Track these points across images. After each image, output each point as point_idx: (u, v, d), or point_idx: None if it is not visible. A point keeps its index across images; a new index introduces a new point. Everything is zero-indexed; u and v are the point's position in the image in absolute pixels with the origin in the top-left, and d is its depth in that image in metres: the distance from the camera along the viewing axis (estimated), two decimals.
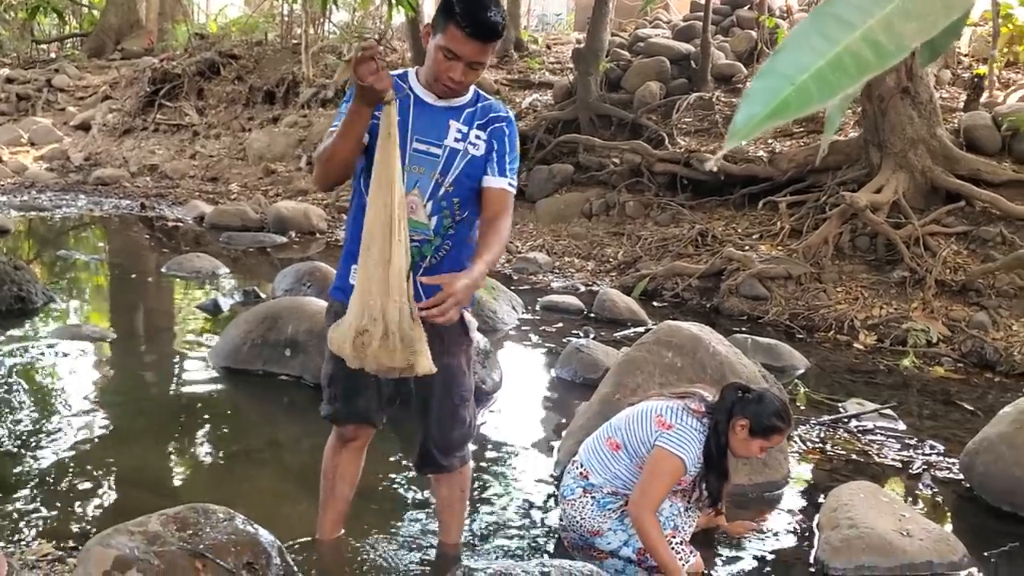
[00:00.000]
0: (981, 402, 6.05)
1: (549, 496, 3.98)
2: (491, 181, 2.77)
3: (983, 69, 9.72)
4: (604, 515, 3.34)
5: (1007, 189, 8.16)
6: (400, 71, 2.83)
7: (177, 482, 3.96)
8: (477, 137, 2.74)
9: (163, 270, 8.04)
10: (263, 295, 6.96)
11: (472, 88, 2.81)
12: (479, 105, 2.79)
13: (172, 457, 4.26)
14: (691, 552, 3.28)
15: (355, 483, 3.18)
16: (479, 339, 5.33)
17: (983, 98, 9.46)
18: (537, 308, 7.54)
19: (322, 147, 2.69)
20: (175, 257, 8.27)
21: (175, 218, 11.37)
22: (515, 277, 8.93)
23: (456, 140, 2.73)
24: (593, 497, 3.36)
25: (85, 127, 16.19)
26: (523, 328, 6.91)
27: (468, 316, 2.94)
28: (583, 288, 8.57)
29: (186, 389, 5.15)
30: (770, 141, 10.30)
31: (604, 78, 12.05)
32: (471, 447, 3.18)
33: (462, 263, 2.78)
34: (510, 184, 2.79)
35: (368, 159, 2.68)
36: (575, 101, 11.89)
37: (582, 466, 3.43)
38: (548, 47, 15.90)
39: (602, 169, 10.78)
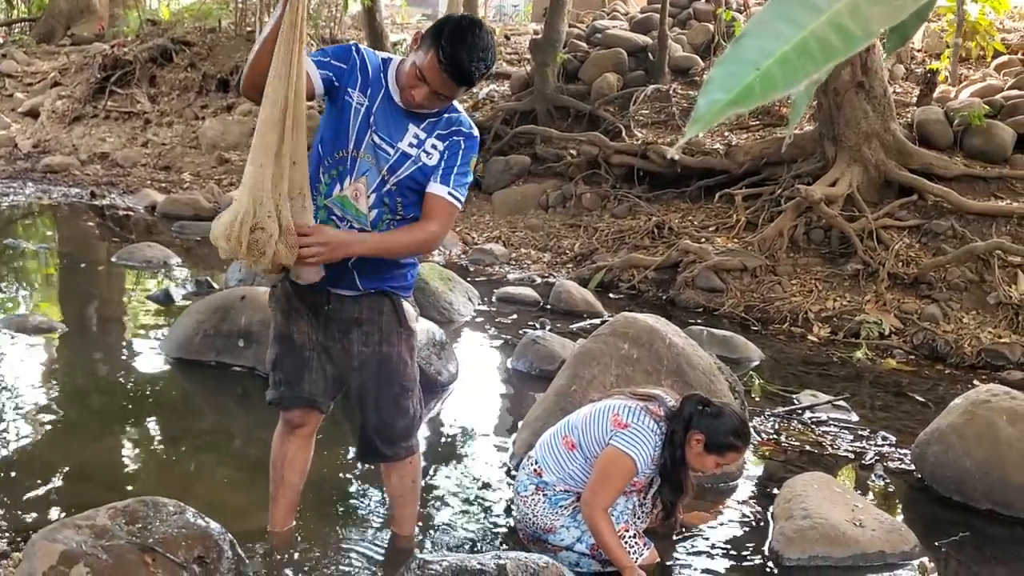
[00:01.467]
0: (932, 393, 6.14)
1: (504, 488, 3.96)
2: (432, 187, 2.75)
3: (936, 64, 9.86)
4: (556, 512, 3.33)
5: (959, 183, 8.29)
6: (385, 55, 2.81)
7: (127, 475, 3.87)
8: (433, 147, 2.72)
9: (113, 260, 7.88)
10: (216, 285, 6.85)
11: None
12: (445, 116, 2.76)
13: (122, 450, 4.17)
14: (645, 545, 3.27)
15: (305, 472, 3.14)
16: (434, 330, 5.29)
17: (936, 93, 9.59)
18: (493, 299, 7.51)
19: (250, 54, 2.62)
20: (126, 247, 8.11)
21: (126, 207, 11.15)
22: (471, 268, 8.89)
23: (410, 145, 2.71)
24: (545, 495, 3.34)
25: (34, 114, 15.80)
26: (479, 320, 6.88)
27: (406, 306, 2.93)
28: (539, 280, 8.55)
29: (138, 380, 5.05)
30: (727, 134, 10.36)
31: (562, 69, 12.03)
32: (419, 438, 3.15)
33: (392, 262, 2.81)
34: (450, 194, 2.74)
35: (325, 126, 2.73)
36: (532, 92, 11.86)
37: (536, 463, 3.41)
38: (506, 37, 15.84)
39: (559, 160, 10.76)
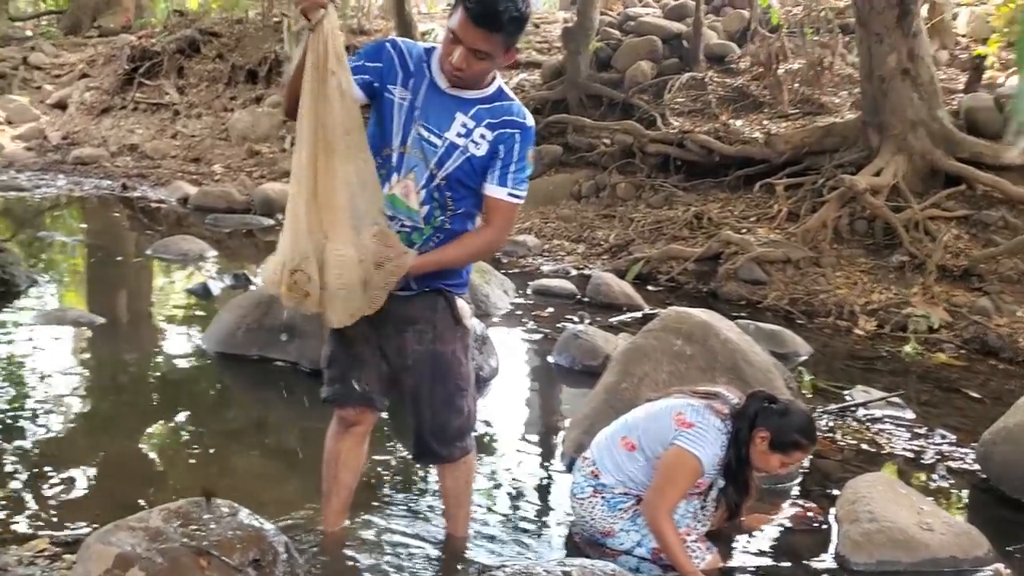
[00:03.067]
0: (984, 389, 5.96)
1: (556, 489, 3.84)
2: (489, 189, 2.64)
3: (983, 49, 9.59)
4: (615, 515, 3.21)
5: (1009, 172, 8.06)
6: (428, 45, 2.68)
7: (173, 473, 3.78)
8: (482, 136, 2.58)
9: (148, 252, 7.82)
10: (253, 279, 6.76)
11: (497, 84, 2.64)
12: (496, 104, 2.61)
13: (167, 447, 4.08)
14: (707, 548, 3.15)
15: (359, 471, 3.05)
16: (476, 325, 5.17)
17: (983, 79, 9.35)
18: (528, 292, 7.39)
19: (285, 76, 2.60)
20: (161, 239, 8.04)
21: (157, 199, 11.12)
22: (504, 260, 8.76)
23: (458, 135, 2.58)
24: (604, 497, 3.22)
25: (62, 106, 15.84)
26: (516, 313, 6.76)
27: (461, 303, 2.82)
28: (574, 272, 8.42)
29: (180, 375, 4.97)
30: (765, 123, 10.17)
31: (594, 57, 11.86)
32: (473, 438, 3.03)
33: None
34: (510, 194, 2.64)
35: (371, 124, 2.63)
36: (564, 81, 11.70)
37: (593, 464, 3.29)
38: (536, 26, 15.66)
39: (592, 150, 10.61)
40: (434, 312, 2.74)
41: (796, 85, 10.67)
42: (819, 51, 10.83)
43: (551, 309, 6.86)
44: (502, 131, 2.58)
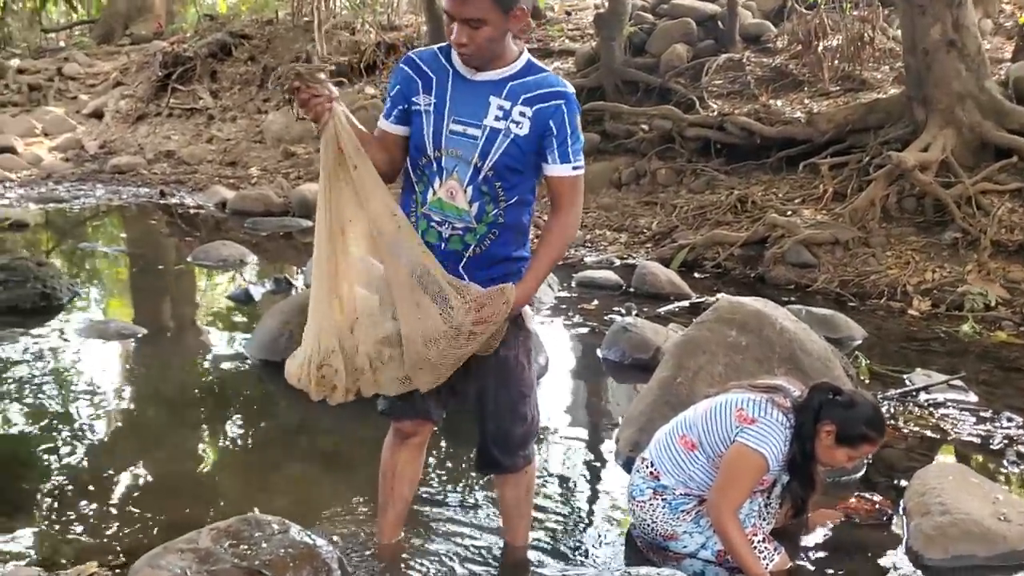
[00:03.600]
0: None
1: (613, 490, 3.74)
2: (552, 169, 2.55)
3: None
4: (678, 518, 3.10)
5: None
6: (441, 44, 2.61)
7: (220, 488, 3.74)
8: (521, 114, 2.48)
9: (189, 259, 7.83)
10: (295, 283, 6.73)
11: (525, 58, 2.55)
12: (528, 78, 2.51)
13: (213, 461, 4.05)
14: (775, 549, 3.04)
15: (415, 483, 2.98)
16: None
17: None
18: (573, 284, 7.29)
19: None
20: (201, 246, 8.05)
21: (196, 205, 11.16)
22: None
23: (497, 119, 2.48)
24: (664, 499, 3.12)
25: (98, 115, 15.96)
26: (561, 306, 6.66)
27: (525, 309, 2.70)
28: (618, 262, 8.29)
29: (223, 385, 4.94)
30: (807, 101, 9.95)
31: (628, 43, 11.68)
32: (535, 445, 2.95)
33: (510, 252, 2.61)
34: (575, 168, 2.57)
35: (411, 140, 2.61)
36: (599, 68, 11.55)
37: (652, 465, 3.18)
38: (567, 13, 15.51)
39: (630, 137, 10.45)
40: None
41: (836, 62, 10.43)
42: (859, 25, 10.57)
43: (596, 301, 6.76)
44: (543, 105, 2.48)
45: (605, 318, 6.24)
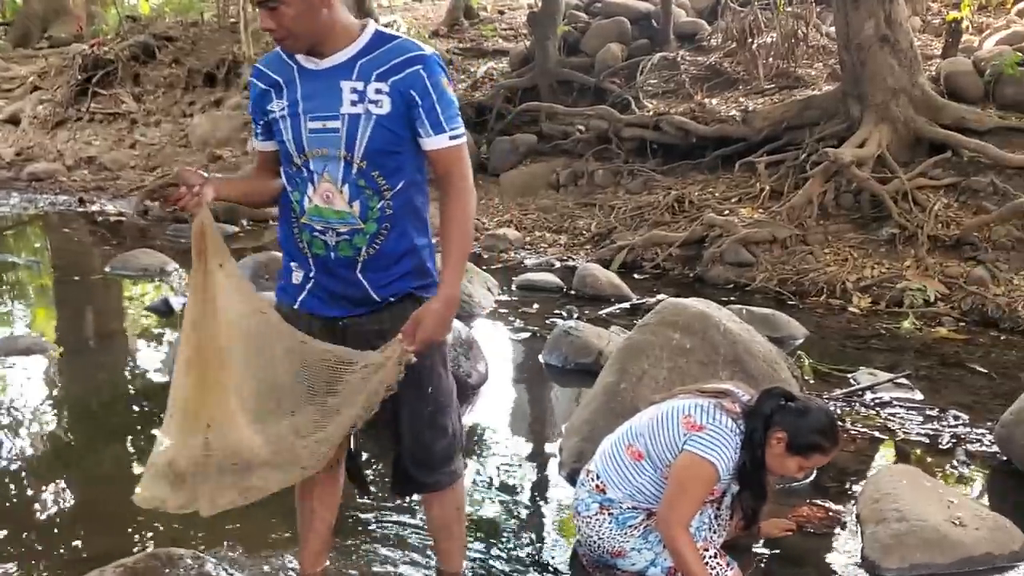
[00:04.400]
0: (988, 362, 5.75)
1: (557, 504, 3.55)
2: (428, 142, 2.29)
3: (957, 13, 9.39)
4: (625, 533, 2.93)
5: (994, 136, 7.86)
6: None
7: (137, 519, 3.43)
8: (378, 92, 2.24)
9: (107, 269, 7.46)
10: (175, 308, 6.41)
11: (371, 30, 2.31)
12: (378, 51, 2.26)
13: (129, 488, 3.73)
14: (728, 565, 2.87)
15: (335, 508, 2.74)
16: (459, 328, 4.88)
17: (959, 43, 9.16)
18: (513, 288, 7.11)
19: None
20: (120, 255, 7.68)
21: (117, 212, 10.73)
22: (485, 256, 8.47)
23: (353, 103, 2.24)
24: (611, 514, 2.94)
25: (14, 120, 15.34)
26: (502, 311, 6.47)
27: None
28: (558, 264, 8.15)
29: (141, 404, 4.63)
30: (742, 100, 9.92)
31: (562, 42, 11.57)
32: (462, 460, 2.71)
33: (410, 243, 2.36)
34: (452, 137, 2.30)
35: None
36: (533, 67, 11.41)
37: (598, 478, 3.00)
38: (500, 12, 15.36)
39: (567, 137, 10.33)
40: (406, 321, 2.35)
41: (771, 59, 10.42)
42: (793, 22, 10.59)
43: (537, 305, 6.59)
44: (398, 76, 2.24)
45: (546, 322, 6.07)
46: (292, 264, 2.43)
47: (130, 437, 4.24)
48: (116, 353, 5.63)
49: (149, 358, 5.36)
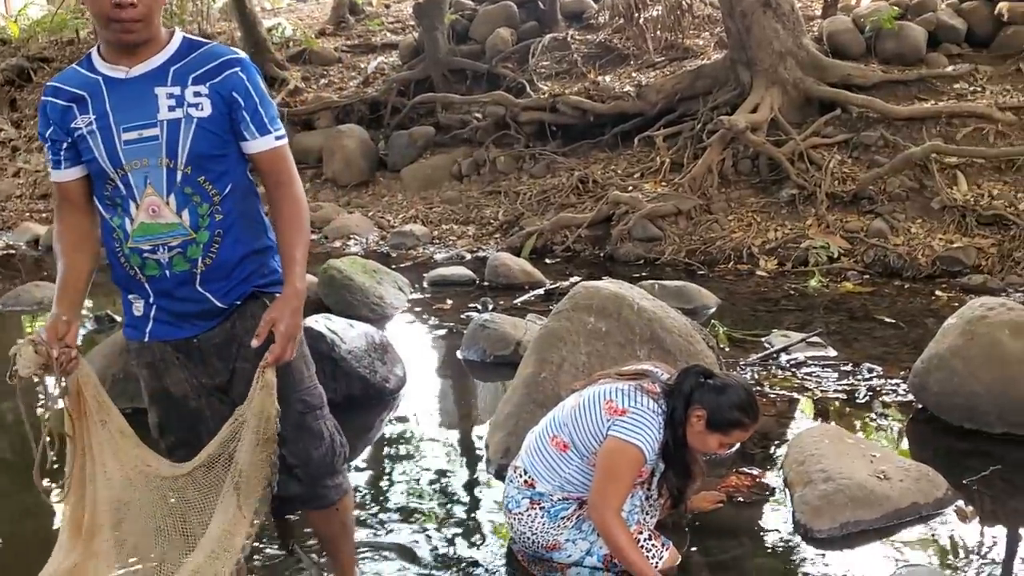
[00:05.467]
0: (895, 311, 5.92)
1: (487, 502, 3.49)
2: (254, 145, 2.22)
3: None
4: (558, 526, 2.88)
5: (879, 91, 8.07)
6: (84, 57, 2.25)
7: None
8: (197, 95, 2.15)
9: None
10: (119, 319, 6.17)
11: (179, 37, 2.22)
12: (191, 57, 2.18)
13: (30, 541, 3.54)
14: (663, 545, 2.85)
15: None
16: (373, 333, 4.77)
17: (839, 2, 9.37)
18: (425, 285, 7.01)
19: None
20: (12, 289, 7.30)
21: (5, 245, 10.23)
22: (393, 255, 8.35)
23: (171, 109, 2.14)
24: (542, 507, 2.89)
25: None
26: (415, 310, 6.37)
27: None
28: (469, 256, 8.08)
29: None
30: (634, 75, 9.97)
31: (450, 31, 11.46)
32: (347, 474, 2.55)
33: (249, 247, 2.27)
34: (277, 138, 2.25)
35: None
36: (424, 59, 11.27)
37: (525, 472, 2.95)
38: (386, 6, 15.14)
39: (465, 126, 10.24)
40: (255, 320, 2.23)
41: (659, 32, 10.50)
42: None
43: (451, 300, 6.51)
44: (218, 78, 2.17)
45: (462, 317, 5.99)
46: (130, 297, 2.30)
47: (22, 484, 4.02)
48: (7, 397, 5.34)
49: (45, 397, 5.09)
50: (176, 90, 2.14)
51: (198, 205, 2.17)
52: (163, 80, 2.15)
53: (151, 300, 2.26)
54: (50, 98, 2.21)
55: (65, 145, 2.21)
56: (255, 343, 2.15)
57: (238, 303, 2.27)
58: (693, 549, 3.07)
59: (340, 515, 2.52)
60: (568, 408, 2.96)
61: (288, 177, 2.27)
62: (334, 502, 2.46)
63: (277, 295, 2.24)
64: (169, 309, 2.25)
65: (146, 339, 2.29)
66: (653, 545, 2.83)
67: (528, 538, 2.92)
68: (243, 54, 2.25)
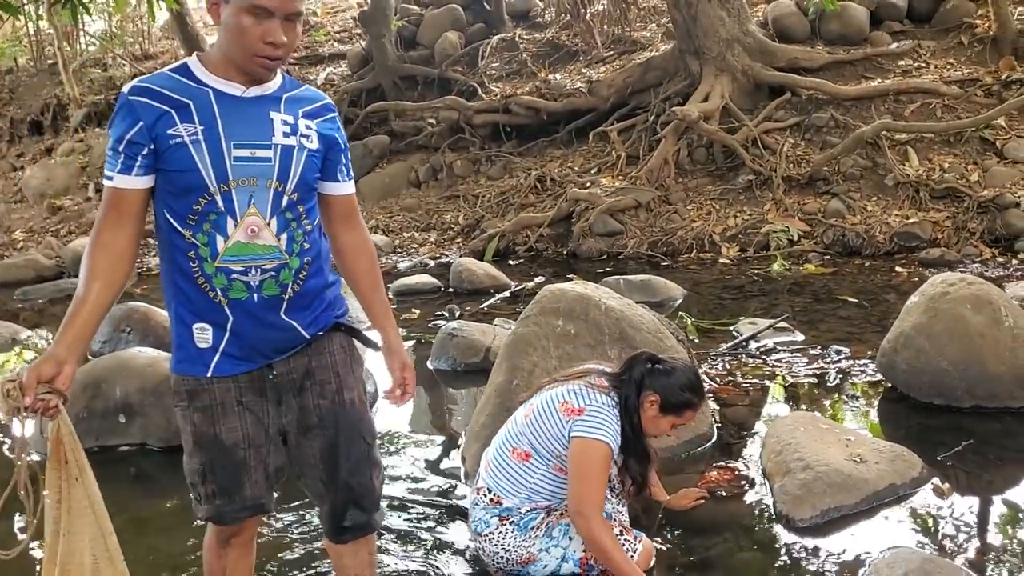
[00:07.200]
0: (855, 289, 5.98)
1: (467, 516, 3.45)
2: (342, 187, 2.28)
3: None
4: (529, 537, 2.85)
5: (827, 72, 8.16)
6: (176, 65, 2.16)
7: None
8: (308, 128, 2.17)
9: None
10: (90, 357, 6.06)
11: (281, 72, 2.20)
12: (295, 91, 2.19)
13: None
14: (636, 538, 2.84)
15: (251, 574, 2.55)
16: None
17: None
18: (390, 295, 6.95)
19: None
20: None
21: None
22: None
23: (285, 135, 2.13)
24: (512, 522, 2.86)
25: None
26: None
27: (363, 335, 2.36)
28: (432, 263, 8.04)
29: (5, 486, 4.29)
30: (584, 71, 9.98)
31: (398, 37, 11.41)
32: None
33: (326, 279, 2.25)
34: (355, 184, 2.37)
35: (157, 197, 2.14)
36: (373, 67, 11.22)
37: (490, 491, 2.91)
38: (331, 15, 15.03)
39: (420, 133, 10.21)
40: (332, 356, 2.24)
41: (606, 27, 10.53)
42: None
43: (417, 309, 6.47)
44: (322, 119, 2.22)
45: (430, 326, 5.96)
46: (196, 326, 2.16)
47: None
48: None
49: (6, 442, 4.99)
50: (290, 118, 2.15)
51: (295, 231, 2.14)
52: (277, 106, 2.15)
53: (228, 326, 2.14)
54: (140, 98, 2.08)
55: (146, 151, 2.08)
56: (401, 402, 2.39)
57: (320, 333, 2.24)
58: (677, 545, 3.07)
59: (370, 545, 2.49)
60: (521, 419, 2.94)
61: (361, 219, 2.40)
62: (378, 525, 2.47)
63: (356, 323, 2.36)
64: (247, 337, 2.16)
65: (209, 373, 2.18)
66: (627, 540, 2.82)
67: (501, 557, 2.89)
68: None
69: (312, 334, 2.22)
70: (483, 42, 10.95)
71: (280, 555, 3.17)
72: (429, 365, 5.19)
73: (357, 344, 2.36)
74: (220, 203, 2.08)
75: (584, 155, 8.88)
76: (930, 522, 3.08)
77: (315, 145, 2.18)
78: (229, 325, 2.14)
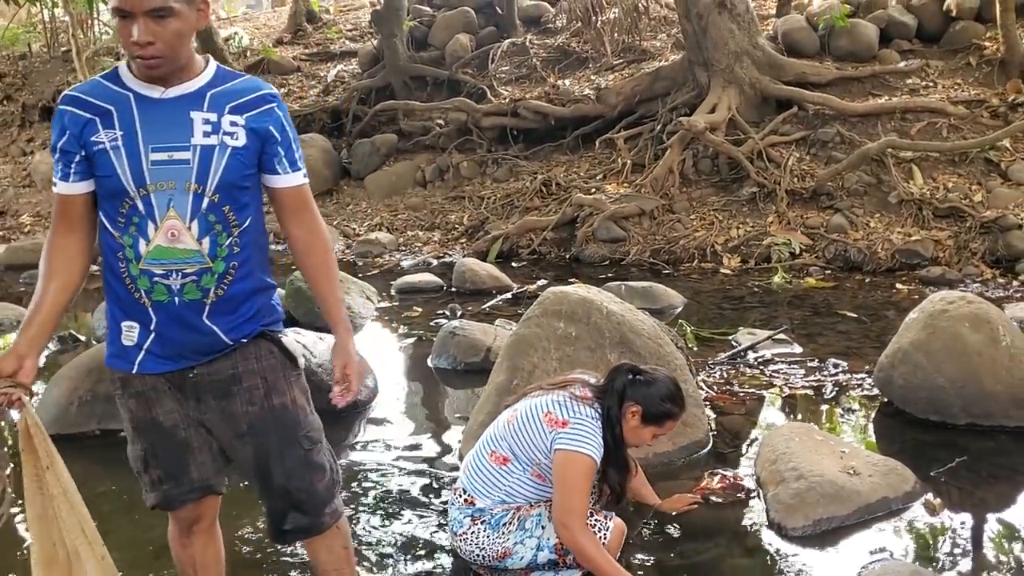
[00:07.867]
0: (855, 304, 6.01)
1: None
2: (285, 180, 2.23)
3: None
4: (503, 533, 2.89)
5: (834, 88, 8.20)
6: (109, 70, 2.19)
7: None
8: (233, 124, 2.14)
9: None
10: (82, 338, 6.11)
11: (214, 65, 2.20)
12: (227, 85, 2.18)
13: (9, 562, 3.51)
14: (606, 517, 2.89)
15: (221, 563, 2.57)
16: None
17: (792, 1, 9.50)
18: (393, 293, 7.00)
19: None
20: None
21: None
22: (360, 263, 8.33)
23: (206, 135, 2.11)
24: (484, 522, 2.90)
25: None
26: (384, 318, 6.36)
27: (288, 340, 2.35)
28: (435, 262, 8.08)
29: (10, 474, 4.33)
30: (593, 78, 10.03)
31: (410, 37, 11.46)
32: (341, 497, 2.52)
33: (257, 282, 2.25)
34: (304, 175, 2.27)
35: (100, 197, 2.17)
36: (384, 66, 11.26)
37: (465, 492, 2.96)
38: (343, 13, 15.09)
39: (427, 133, 10.25)
40: (259, 361, 2.25)
41: (616, 35, 10.58)
42: None
43: (419, 308, 6.51)
44: (255, 112, 2.17)
45: (431, 324, 6.00)
46: (124, 324, 2.20)
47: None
48: None
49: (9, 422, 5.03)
50: (212, 116, 2.11)
51: (219, 234, 2.13)
52: (199, 105, 2.12)
53: (151, 327, 2.18)
54: (69, 107, 2.13)
55: (78, 158, 2.13)
56: (341, 402, 2.29)
57: (244, 340, 2.24)
58: (671, 551, 3.11)
59: (342, 538, 2.50)
60: (503, 423, 2.99)
61: (313, 210, 2.29)
62: (331, 525, 2.44)
63: (281, 334, 2.30)
64: (170, 339, 2.18)
65: (135, 370, 2.22)
66: (597, 520, 2.87)
67: (477, 555, 2.93)
68: (276, 90, 2.25)
69: (234, 339, 2.22)
70: (494, 45, 10.99)
71: (270, 550, 3.21)
72: (429, 363, 5.23)
73: (296, 353, 2.36)
74: (141, 207, 2.10)
75: (590, 161, 8.92)
76: (921, 536, 3.12)
77: (241, 142, 2.14)
78: (153, 326, 2.17)
